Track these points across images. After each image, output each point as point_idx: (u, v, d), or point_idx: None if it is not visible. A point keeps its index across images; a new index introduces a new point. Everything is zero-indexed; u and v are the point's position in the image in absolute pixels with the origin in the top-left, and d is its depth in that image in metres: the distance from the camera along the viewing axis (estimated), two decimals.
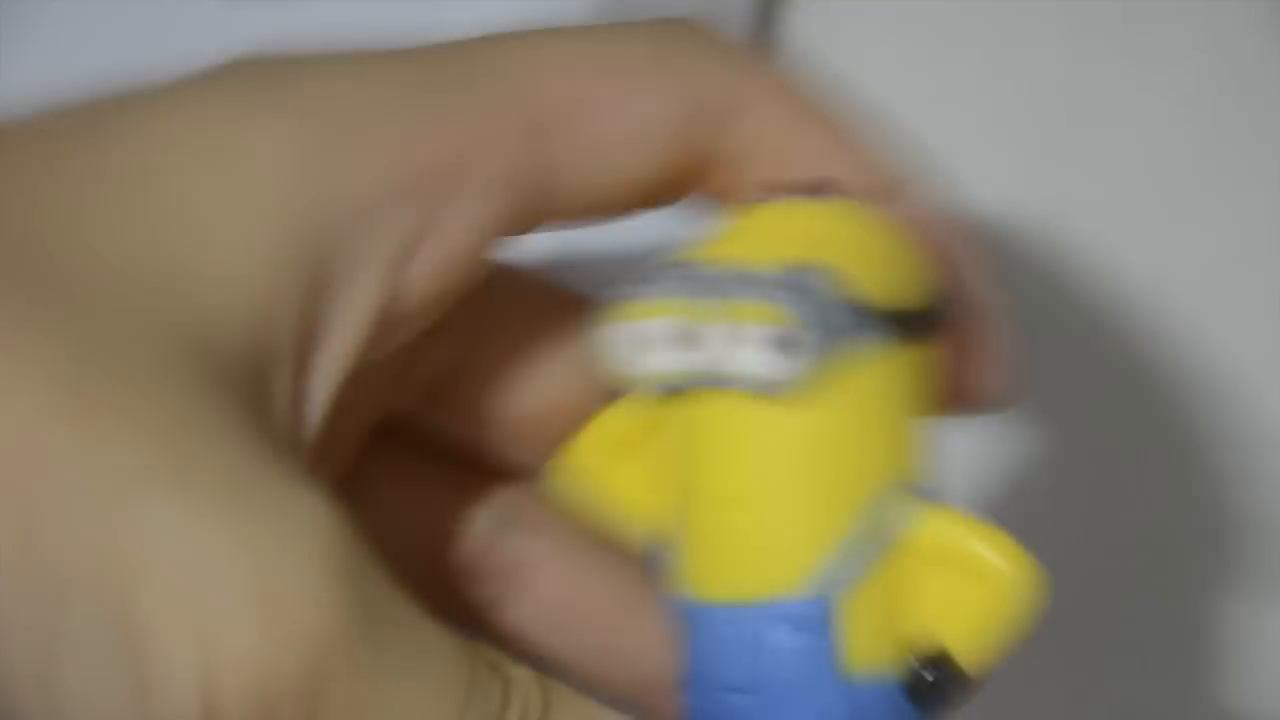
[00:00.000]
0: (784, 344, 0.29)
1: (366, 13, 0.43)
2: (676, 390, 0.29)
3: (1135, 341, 0.46)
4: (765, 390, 0.29)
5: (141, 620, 0.24)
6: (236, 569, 0.25)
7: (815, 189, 0.30)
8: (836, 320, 0.29)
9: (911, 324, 0.30)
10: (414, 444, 0.34)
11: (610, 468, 0.31)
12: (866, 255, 0.30)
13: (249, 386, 0.26)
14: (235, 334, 0.26)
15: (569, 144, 0.29)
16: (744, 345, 0.29)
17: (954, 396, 0.31)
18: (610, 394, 0.31)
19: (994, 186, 0.47)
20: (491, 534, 0.33)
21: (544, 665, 0.29)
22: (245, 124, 0.27)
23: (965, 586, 0.29)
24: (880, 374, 0.29)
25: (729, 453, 0.29)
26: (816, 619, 0.29)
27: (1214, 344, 0.46)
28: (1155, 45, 0.47)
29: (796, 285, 0.29)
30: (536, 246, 0.33)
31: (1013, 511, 0.46)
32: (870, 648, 0.29)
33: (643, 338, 0.29)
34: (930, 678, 0.29)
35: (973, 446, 0.46)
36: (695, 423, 0.30)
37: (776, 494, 0.29)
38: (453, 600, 0.33)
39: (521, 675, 0.28)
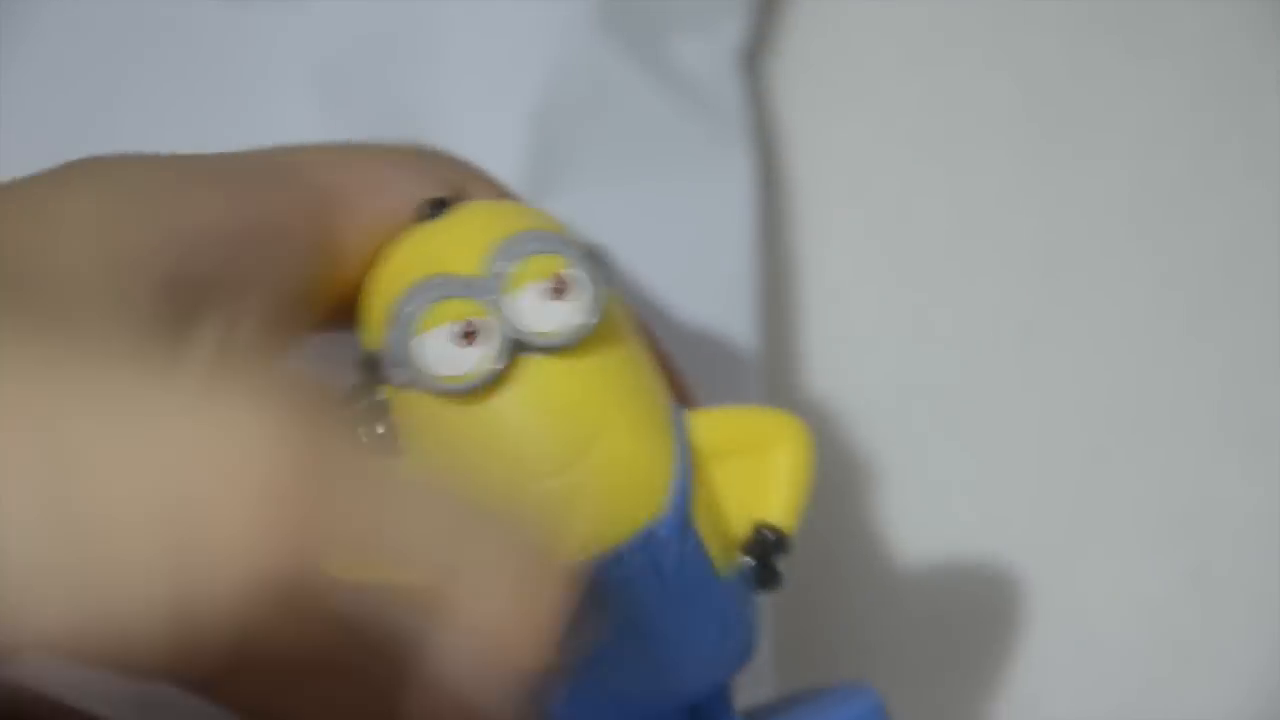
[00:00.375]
0: (560, 290, 0.31)
1: (365, 13, 0.43)
2: (480, 385, 0.31)
3: (1134, 341, 0.46)
4: (572, 337, 0.31)
5: (95, 507, 0.25)
6: (201, 460, 0.26)
7: (452, 199, 0.33)
8: (594, 259, 0.31)
9: (607, 263, 0.32)
10: None
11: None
12: (540, 215, 0.32)
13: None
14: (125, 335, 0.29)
15: (349, 217, 0.32)
16: (529, 305, 0.31)
17: None
18: None
19: (994, 186, 0.46)
20: None
21: None
22: (67, 198, 0.31)
23: (759, 463, 0.32)
24: (617, 310, 0.32)
25: (545, 414, 0.31)
26: (686, 530, 0.31)
27: (1213, 343, 0.46)
28: (1155, 45, 0.47)
29: (552, 240, 0.31)
30: None
31: (1013, 509, 0.46)
32: (719, 546, 0.32)
33: (436, 347, 0.31)
34: (766, 556, 0.32)
35: (983, 462, 0.46)
36: (495, 401, 0.31)
37: (603, 435, 0.31)
38: None
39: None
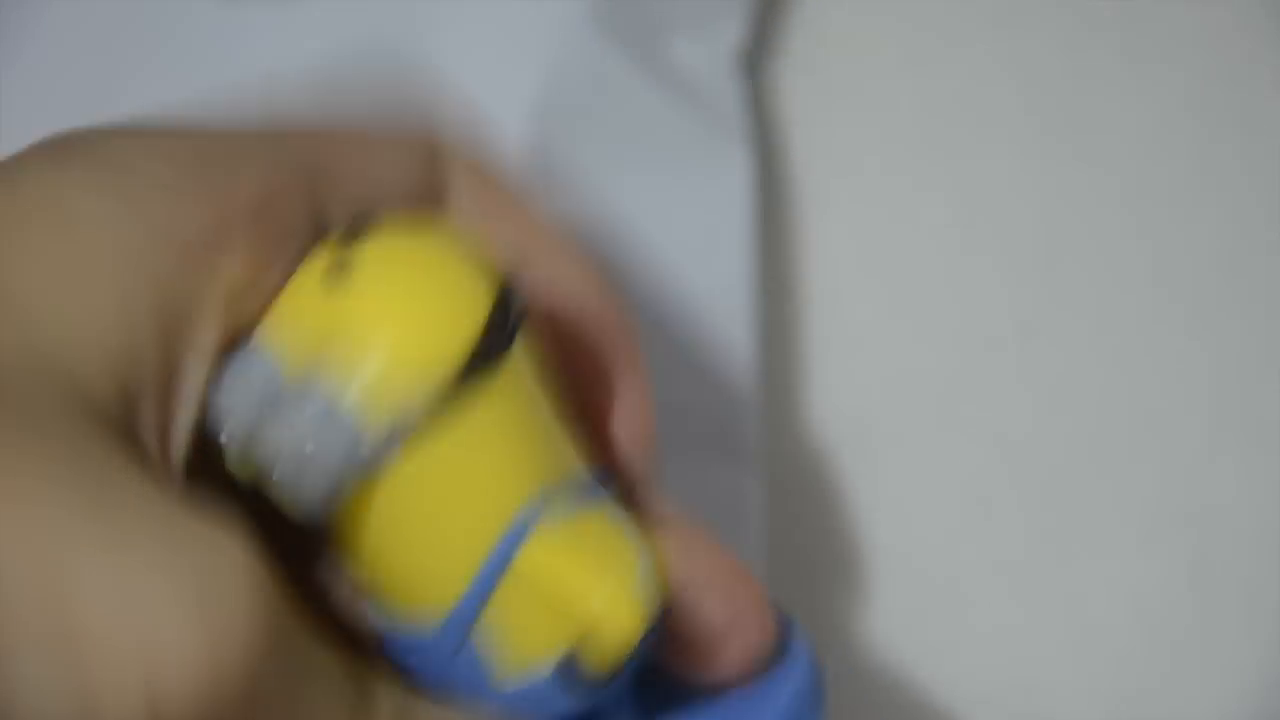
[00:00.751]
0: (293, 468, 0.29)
1: (361, 13, 0.43)
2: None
3: (1133, 340, 0.46)
4: (320, 505, 0.29)
5: (84, 638, 0.25)
6: (172, 581, 0.26)
7: (356, 224, 0.30)
8: (351, 425, 0.29)
9: (476, 368, 0.29)
10: None
11: None
12: (399, 324, 0.29)
13: (122, 428, 0.28)
14: (106, 384, 0.28)
15: (336, 188, 0.31)
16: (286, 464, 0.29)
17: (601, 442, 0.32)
18: None
19: (993, 186, 0.47)
20: None
21: None
22: (72, 197, 0.29)
23: (567, 618, 0.30)
24: (476, 414, 0.29)
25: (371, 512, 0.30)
26: (460, 636, 0.30)
27: (1212, 342, 0.46)
28: (1154, 46, 0.47)
29: (284, 403, 0.29)
30: None
31: (1012, 507, 0.46)
32: (517, 652, 0.30)
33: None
34: (572, 675, 0.30)
35: (981, 460, 0.46)
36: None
37: (413, 539, 0.30)
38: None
39: (390, 686, 0.30)
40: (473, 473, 0.29)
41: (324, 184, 0.31)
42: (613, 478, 0.32)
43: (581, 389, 0.32)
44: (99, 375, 0.28)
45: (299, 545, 0.33)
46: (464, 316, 0.29)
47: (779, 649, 0.32)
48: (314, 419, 0.29)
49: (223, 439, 0.29)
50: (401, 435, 0.28)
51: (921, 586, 0.45)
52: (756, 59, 0.47)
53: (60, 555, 0.26)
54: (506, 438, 0.30)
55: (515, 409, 0.30)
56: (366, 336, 0.29)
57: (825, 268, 0.47)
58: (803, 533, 0.45)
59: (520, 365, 0.30)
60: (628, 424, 0.33)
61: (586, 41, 0.43)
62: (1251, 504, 0.45)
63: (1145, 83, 0.47)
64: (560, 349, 0.32)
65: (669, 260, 0.43)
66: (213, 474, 0.30)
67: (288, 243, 0.30)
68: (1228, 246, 0.46)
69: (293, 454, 0.29)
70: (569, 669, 0.30)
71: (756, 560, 0.43)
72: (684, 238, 0.43)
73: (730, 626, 0.32)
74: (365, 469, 0.29)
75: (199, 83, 0.43)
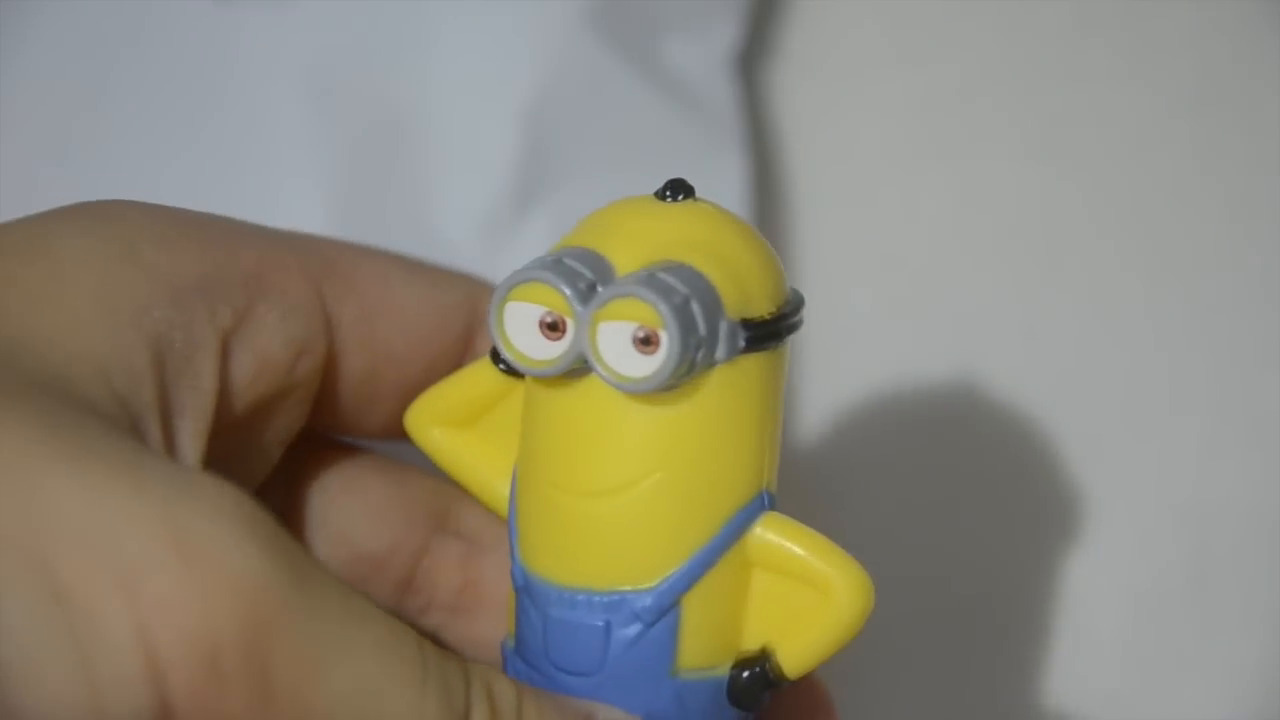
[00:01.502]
0: (647, 341, 0.30)
1: (355, 12, 0.43)
2: (548, 374, 0.30)
3: (1133, 338, 0.46)
4: (627, 386, 0.30)
5: (66, 582, 0.25)
6: (150, 524, 0.26)
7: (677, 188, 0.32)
8: (716, 327, 0.30)
9: (766, 332, 0.31)
10: (342, 451, 0.35)
11: (457, 429, 0.33)
12: (740, 260, 0.31)
13: (122, 425, 0.28)
14: (99, 389, 0.28)
15: (349, 291, 0.33)
16: (610, 339, 0.30)
17: None
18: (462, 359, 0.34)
19: (992, 185, 0.46)
20: (423, 538, 0.35)
21: None
22: (57, 238, 0.30)
23: (806, 600, 0.31)
24: (750, 379, 0.31)
25: (600, 438, 0.30)
26: (662, 616, 0.30)
27: (1213, 340, 0.46)
28: (1154, 45, 0.47)
29: (673, 293, 0.30)
30: None
31: (1012, 505, 0.46)
32: (703, 645, 0.31)
33: (518, 322, 0.30)
34: (750, 680, 0.31)
35: (981, 459, 0.46)
36: (560, 407, 0.31)
37: (640, 488, 0.30)
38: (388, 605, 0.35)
39: (486, 669, 0.29)
40: (738, 433, 0.31)
41: (335, 283, 0.32)
42: None
43: None
44: (90, 379, 0.28)
45: None
46: (778, 286, 0.31)
47: None
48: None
49: None
50: (730, 347, 0.30)
51: (921, 586, 0.45)
52: (752, 59, 0.47)
53: (31, 486, 0.25)
54: (763, 419, 0.31)
55: (769, 397, 0.31)
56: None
57: (822, 267, 0.47)
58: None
59: (781, 364, 0.31)
60: None
61: (582, 43, 0.43)
62: (1251, 503, 0.45)
63: (1145, 82, 0.47)
64: None
65: None
66: None
67: (286, 314, 0.31)
68: (1228, 245, 0.46)
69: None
70: (758, 669, 0.31)
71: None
72: None
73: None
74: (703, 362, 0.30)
75: (196, 83, 0.44)
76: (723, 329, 0.30)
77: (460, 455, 0.33)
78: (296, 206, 0.43)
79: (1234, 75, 0.46)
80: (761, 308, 0.30)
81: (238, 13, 0.43)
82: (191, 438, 0.30)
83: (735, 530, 0.31)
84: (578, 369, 0.30)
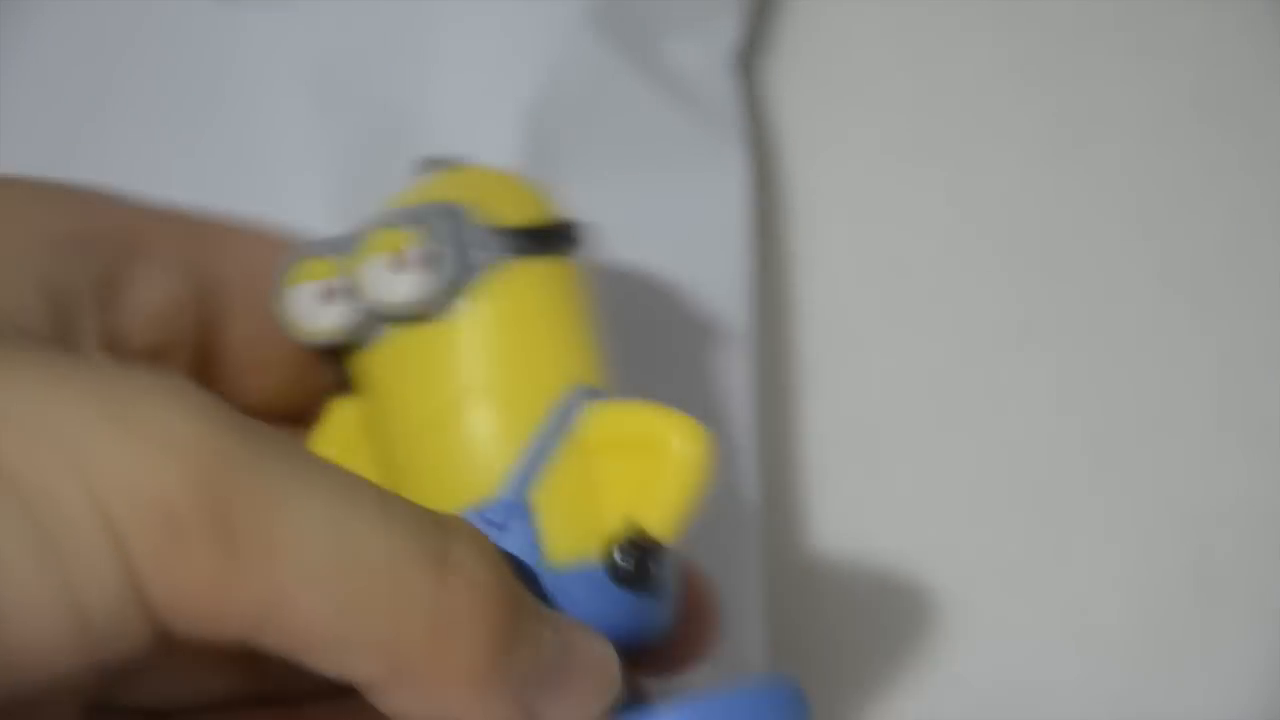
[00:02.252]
0: (419, 261, 0.32)
1: (358, 12, 0.43)
2: (352, 343, 0.33)
3: (1134, 339, 0.46)
4: (415, 310, 0.32)
5: (12, 467, 0.25)
6: (91, 405, 0.26)
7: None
8: (468, 237, 0.32)
9: (545, 239, 0.33)
10: None
11: (350, 456, 0.34)
12: (491, 189, 0.33)
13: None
14: (10, 327, 0.30)
15: (223, 255, 0.34)
16: (382, 274, 0.32)
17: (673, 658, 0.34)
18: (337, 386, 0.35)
19: (992, 184, 0.46)
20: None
21: None
22: None
23: (648, 465, 0.32)
24: (530, 285, 0.33)
25: (408, 383, 0.33)
26: (515, 516, 0.32)
27: (1213, 341, 0.46)
28: (1155, 45, 0.47)
29: (420, 214, 0.32)
30: None
31: (1013, 506, 0.46)
32: (570, 536, 0.32)
33: (299, 306, 0.33)
34: (629, 557, 0.32)
35: (982, 459, 0.46)
36: (375, 366, 0.33)
37: (457, 409, 0.32)
38: None
39: (458, 518, 0.29)
40: (533, 336, 0.33)
41: (211, 246, 0.34)
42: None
43: None
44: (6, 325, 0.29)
45: None
46: (539, 207, 0.34)
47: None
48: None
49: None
50: (499, 260, 0.32)
51: (922, 587, 0.45)
52: (752, 58, 0.47)
53: None
54: (560, 322, 0.33)
55: (566, 305, 0.33)
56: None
57: (823, 267, 0.47)
58: (800, 533, 0.45)
59: (572, 276, 0.33)
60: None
61: (583, 42, 0.43)
62: (1254, 504, 0.45)
63: (1147, 81, 0.47)
64: None
65: (665, 260, 0.43)
66: None
67: (162, 269, 0.33)
68: (1231, 246, 0.46)
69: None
70: (627, 552, 0.32)
71: (753, 561, 0.43)
72: (680, 237, 0.43)
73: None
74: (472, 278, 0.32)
75: (196, 82, 0.44)
76: (473, 235, 0.32)
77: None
78: (298, 206, 0.43)
79: (1236, 76, 0.46)
80: (519, 219, 0.33)
81: (239, 12, 0.43)
82: None
83: (559, 423, 0.32)
84: (366, 329, 0.33)
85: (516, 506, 0.32)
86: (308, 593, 0.26)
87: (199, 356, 0.34)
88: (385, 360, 0.33)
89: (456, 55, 0.43)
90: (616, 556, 0.32)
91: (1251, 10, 0.46)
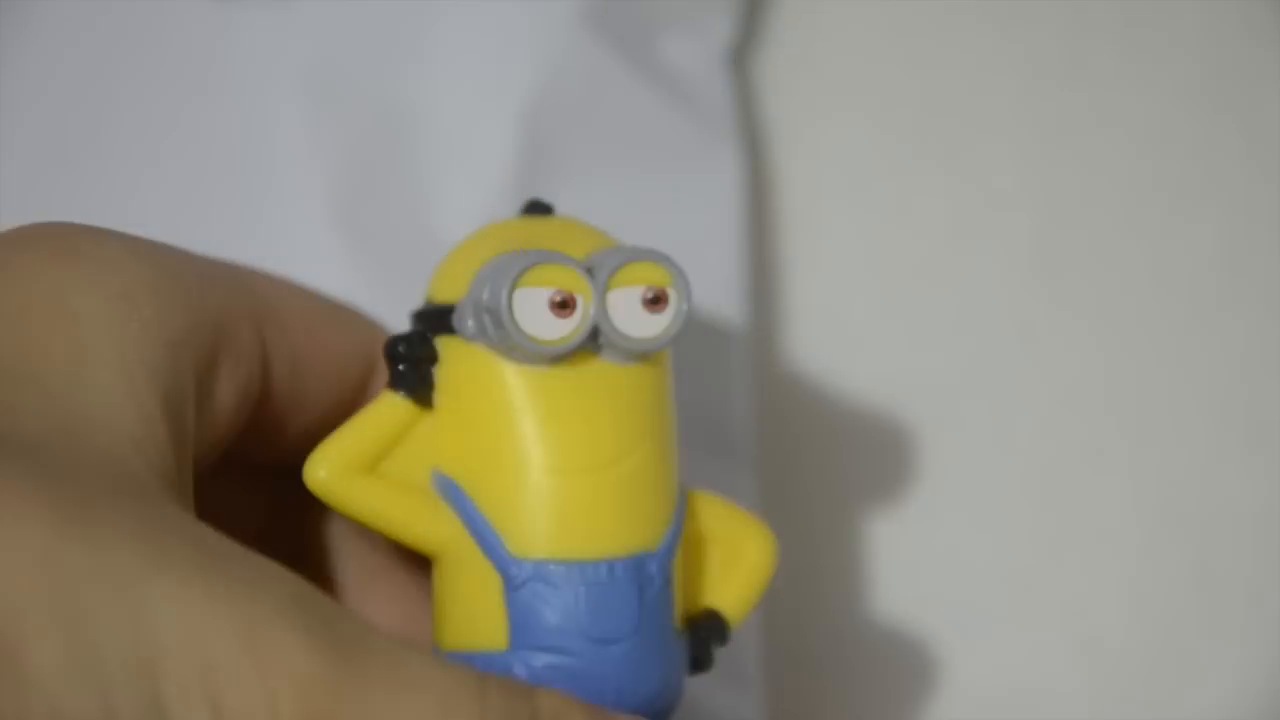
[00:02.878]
0: (656, 301, 0.32)
1: (354, 12, 0.43)
2: (562, 352, 0.32)
3: (1134, 339, 0.46)
4: (640, 347, 0.32)
5: (166, 699, 0.27)
6: (230, 630, 0.28)
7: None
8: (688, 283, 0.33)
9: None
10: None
11: (364, 475, 0.33)
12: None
13: (166, 488, 0.30)
14: (134, 456, 0.30)
15: (282, 333, 0.34)
16: (636, 307, 0.32)
17: None
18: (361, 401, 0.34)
19: (990, 184, 0.46)
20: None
21: None
22: (74, 297, 0.31)
23: (716, 555, 0.34)
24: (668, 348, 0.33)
25: (589, 421, 0.32)
26: (670, 571, 0.32)
27: (1213, 342, 0.46)
28: (1155, 45, 0.47)
29: (664, 258, 0.32)
30: None
31: (1013, 508, 0.46)
32: (680, 607, 0.33)
33: (527, 306, 0.32)
34: (710, 636, 0.34)
35: (981, 460, 0.46)
36: (547, 394, 0.32)
37: (646, 451, 0.32)
38: None
39: (548, 693, 0.30)
40: (673, 399, 0.33)
41: (273, 327, 0.34)
42: None
43: None
44: (125, 446, 0.30)
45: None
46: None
47: None
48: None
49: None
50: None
51: (922, 587, 0.45)
52: (747, 55, 0.47)
53: (143, 606, 0.27)
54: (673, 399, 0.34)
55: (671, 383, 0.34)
56: None
57: (818, 264, 0.46)
58: (799, 533, 0.45)
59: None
60: None
61: (577, 40, 0.43)
62: (1254, 506, 0.45)
63: (1146, 81, 0.47)
64: None
65: None
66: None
67: (238, 363, 0.33)
68: (1229, 246, 0.46)
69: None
70: (715, 625, 0.34)
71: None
72: (676, 235, 0.43)
73: None
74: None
75: (195, 82, 0.44)
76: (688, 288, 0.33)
77: (378, 502, 0.33)
78: (297, 206, 0.43)
79: (1236, 76, 0.46)
80: None
81: (238, 12, 0.43)
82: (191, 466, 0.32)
83: (683, 493, 0.33)
84: (581, 346, 0.32)
85: (670, 564, 0.32)
86: None
87: (233, 436, 0.34)
88: (575, 386, 0.32)
89: (453, 55, 0.43)
90: (703, 636, 0.33)
91: (1251, 10, 0.46)
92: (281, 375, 0.34)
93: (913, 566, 0.45)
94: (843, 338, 0.46)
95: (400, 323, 0.35)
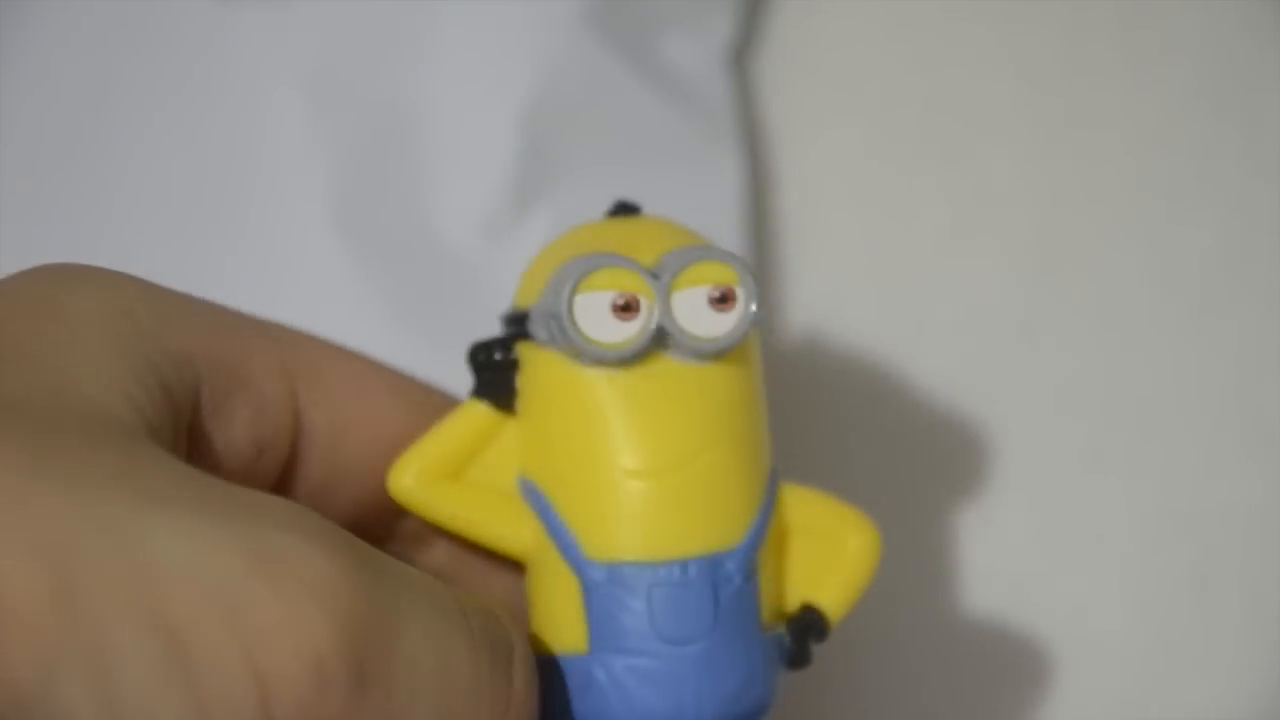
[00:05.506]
0: (724, 299, 0.32)
1: (354, 12, 0.43)
2: (626, 355, 0.32)
3: (1134, 340, 0.46)
4: (708, 347, 0.32)
5: (178, 625, 0.27)
6: (240, 555, 0.27)
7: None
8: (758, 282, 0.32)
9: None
10: None
11: (450, 483, 0.33)
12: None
13: (152, 436, 0.30)
14: (136, 420, 0.30)
15: (317, 387, 0.34)
16: (703, 306, 0.32)
17: None
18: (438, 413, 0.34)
19: (990, 184, 0.46)
20: None
21: None
22: (70, 305, 0.31)
23: (828, 553, 0.34)
24: (756, 348, 0.33)
25: (662, 422, 0.32)
26: (752, 569, 0.32)
27: (1213, 342, 0.46)
28: (1154, 45, 0.47)
29: (731, 257, 0.32)
30: None
31: (1012, 508, 0.46)
32: (770, 604, 0.33)
33: (589, 311, 0.32)
34: (809, 632, 0.33)
35: (981, 461, 0.46)
36: (617, 397, 0.32)
37: (721, 450, 0.32)
38: None
39: (499, 609, 0.31)
40: (760, 395, 0.33)
41: (311, 386, 0.33)
42: None
43: None
44: (121, 408, 0.29)
45: None
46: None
47: None
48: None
49: None
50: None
51: (922, 588, 0.45)
52: (746, 56, 0.47)
53: (140, 540, 0.27)
54: (762, 395, 0.33)
55: (759, 380, 0.33)
56: None
57: (818, 264, 0.47)
58: None
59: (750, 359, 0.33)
60: None
61: (577, 41, 0.43)
62: (1253, 506, 0.45)
63: (1146, 81, 0.47)
64: None
65: None
66: None
67: (258, 411, 0.33)
68: (1228, 246, 0.46)
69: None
70: (813, 621, 0.33)
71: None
72: None
73: None
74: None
75: (195, 82, 0.44)
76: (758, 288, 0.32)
77: (464, 508, 0.33)
78: (297, 206, 0.43)
79: (1235, 77, 0.46)
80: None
81: (238, 12, 0.43)
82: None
83: (773, 489, 0.33)
84: (648, 347, 0.32)
85: (752, 562, 0.32)
86: (411, 715, 0.29)
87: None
88: (644, 388, 0.32)
89: (453, 55, 0.43)
90: (802, 632, 0.33)
91: (1251, 10, 0.46)
92: (319, 438, 0.34)
93: (912, 566, 0.45)
94: (843, 338, 0.46)
95: (410, 329, 0.35)
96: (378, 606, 0.28)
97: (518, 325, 0.33)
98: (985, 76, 0.47)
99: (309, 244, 0.43)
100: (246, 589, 0.27)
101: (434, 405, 0.35)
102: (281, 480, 0.33)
